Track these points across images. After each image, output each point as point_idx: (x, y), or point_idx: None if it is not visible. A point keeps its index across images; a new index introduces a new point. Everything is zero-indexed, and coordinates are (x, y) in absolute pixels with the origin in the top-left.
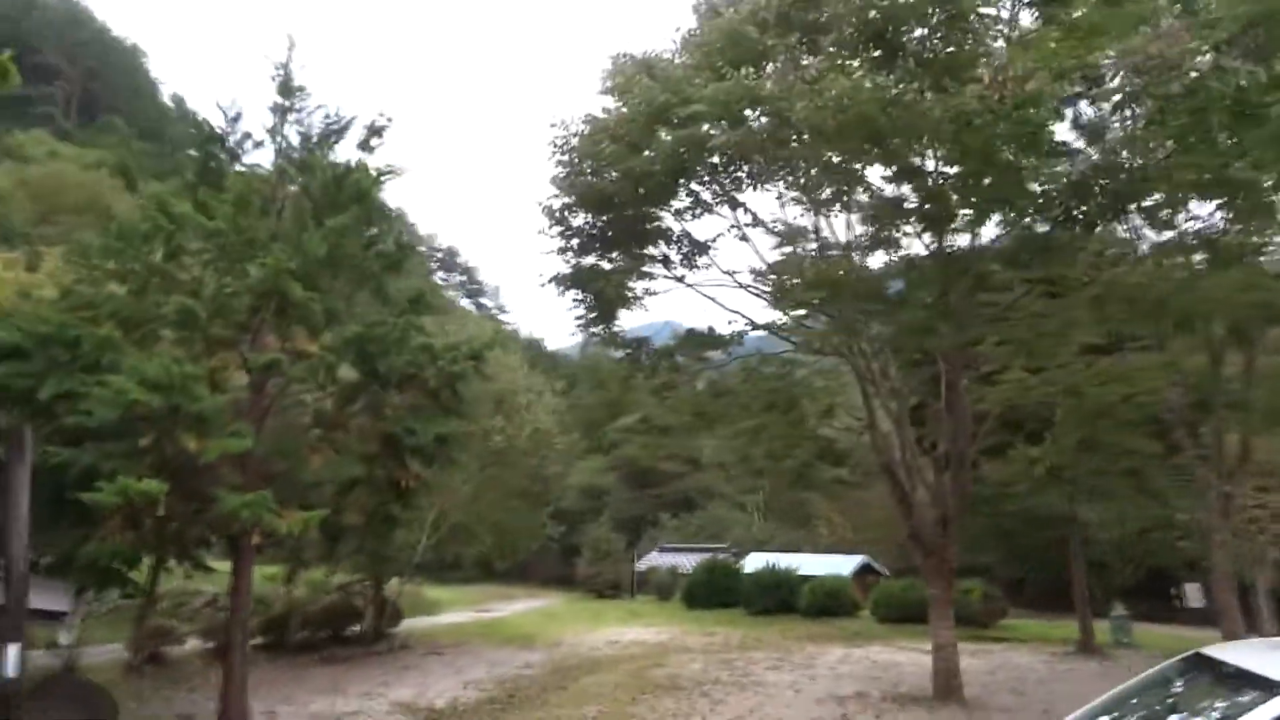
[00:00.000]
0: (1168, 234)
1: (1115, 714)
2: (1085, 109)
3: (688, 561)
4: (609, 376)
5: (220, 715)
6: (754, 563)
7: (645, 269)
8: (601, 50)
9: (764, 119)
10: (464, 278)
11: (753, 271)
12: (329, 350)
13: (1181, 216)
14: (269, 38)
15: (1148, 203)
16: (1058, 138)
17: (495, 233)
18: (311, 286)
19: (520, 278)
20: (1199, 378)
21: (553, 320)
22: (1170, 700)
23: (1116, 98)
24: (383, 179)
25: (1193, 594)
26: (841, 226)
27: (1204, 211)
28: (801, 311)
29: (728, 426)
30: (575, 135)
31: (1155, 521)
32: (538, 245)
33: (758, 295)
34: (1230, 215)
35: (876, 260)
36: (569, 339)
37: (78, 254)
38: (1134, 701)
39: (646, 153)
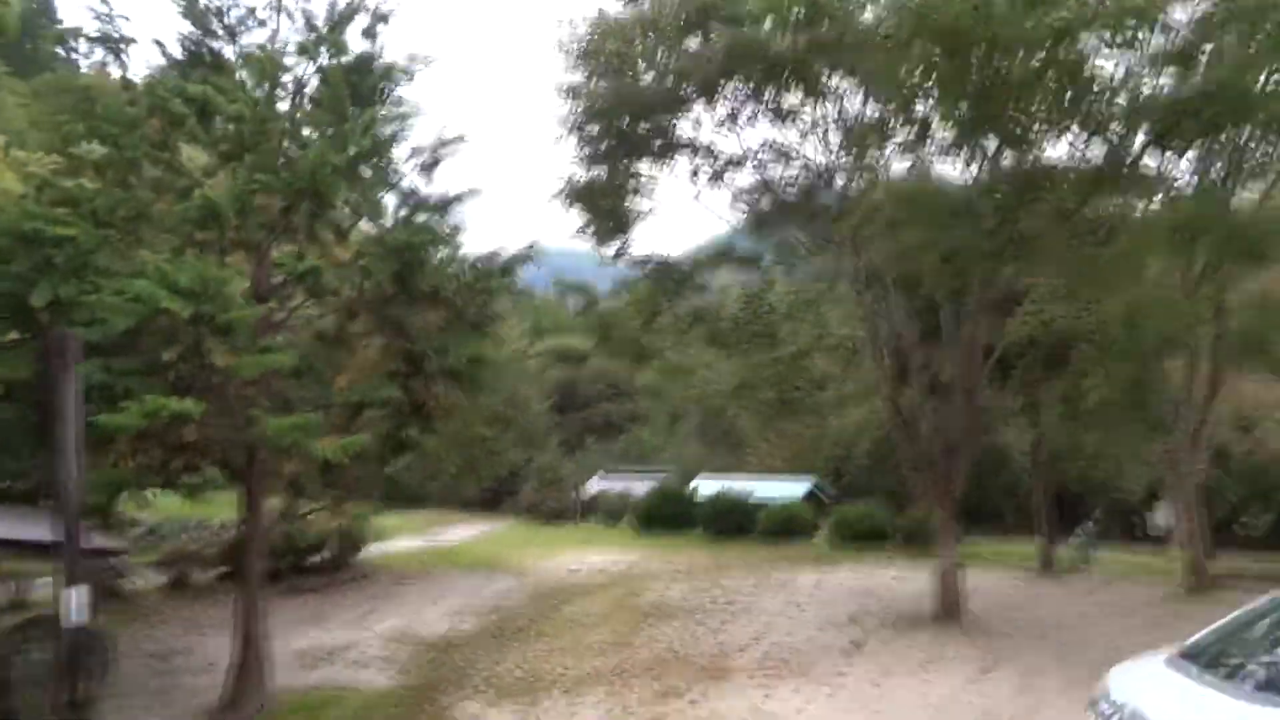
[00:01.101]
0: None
1: (1227, 646)
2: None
3: (632, 487)
4: (634, 295)
5: (242, 652)
6: (705, 488)
7: (662, 180)
8: None
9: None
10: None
11: (792, 183)
12: (364, 256)
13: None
14: None
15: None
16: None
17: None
18: (351, 186)
19: None
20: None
21: None
22: None
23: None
24: (413, 67)
25: (1158, 518)
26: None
27: None
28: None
29: (739, 354)
30: (588, 37)
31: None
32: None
33: (751, 215)
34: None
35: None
36: None
37: (57, 141)
38: (1245, 635)
39: (676, 55)
